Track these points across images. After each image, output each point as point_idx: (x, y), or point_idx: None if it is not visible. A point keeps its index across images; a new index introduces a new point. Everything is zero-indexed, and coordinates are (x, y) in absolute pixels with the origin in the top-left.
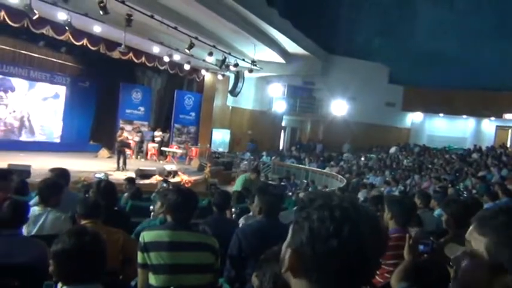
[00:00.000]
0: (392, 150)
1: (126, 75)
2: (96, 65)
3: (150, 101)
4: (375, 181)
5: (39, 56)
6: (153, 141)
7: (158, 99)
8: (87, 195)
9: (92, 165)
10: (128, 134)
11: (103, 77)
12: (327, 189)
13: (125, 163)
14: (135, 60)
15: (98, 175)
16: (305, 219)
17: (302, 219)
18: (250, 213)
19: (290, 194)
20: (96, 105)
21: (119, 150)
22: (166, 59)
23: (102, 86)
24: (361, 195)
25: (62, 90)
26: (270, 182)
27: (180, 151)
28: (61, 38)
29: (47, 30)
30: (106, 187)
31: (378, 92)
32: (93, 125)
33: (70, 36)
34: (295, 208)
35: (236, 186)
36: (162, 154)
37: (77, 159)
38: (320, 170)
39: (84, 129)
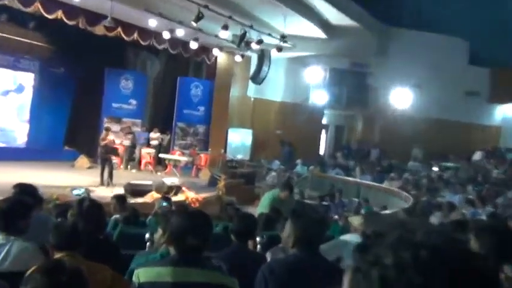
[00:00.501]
0: (477, 156)
1: (113, 58)
2: (73, 46)
3: (145, 92)
4: (453, 200)
5: None
6: (149, 145)
7: (155, 90)
8: (62, 219)
9: (68, 179)
10: (114, 136)
11: (82, 61)
12: (387, 211)
13: (111, 175)
14: (125, 38)
15: (76, 191)
16: (373, 266)
17: (368, 264)
18: (281, 245)
19: (335, 217)
20: (73, 99)
21: (103, 158)
22: (166, 35)
23: (82, 73)
24: (434, 220)
25: (28, 79)
26: (308, 201)
27: (184, 159)
28: (28, 10)
29: (10, 1)
30: (89, 208)
31: (455, 77)
32: (69, 126)
33: (40, 7)
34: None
35: (261, 207)
36: (160, 163)
37: (48, 171)
38: (376, 184)
39: (57, 131)
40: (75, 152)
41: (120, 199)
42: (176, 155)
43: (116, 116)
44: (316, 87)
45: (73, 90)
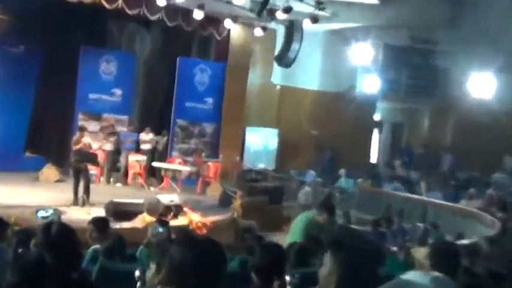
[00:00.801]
0: None
1: (91, 33)
2: (37, 16)
3: (133, 79)
4: None
5: None
6: (138, 150)
7: (147, 75)
8: (23, 250)
9: (31, 196)
10: (92, 138)
11: (50, 36)
12: (464, 241)
13: (87, 191)
14: (106, 6)
15: (41, 213)
16: None
17: None
18: (319, 286)
19: (394, 249)
20: (36, 89)
21: (77, 167)
22: (161, 2)
23: (48, 54)
24: None
25: None
26: (355, 226)
27: (186, 169)
28: None
29: None
30: (59, 236)
31: None
32: (32, 125)
33: None
34: None
35: (292, 235)
36: (154, 174)
37: (4, 185)
38: (449, 204)
39: (15, 132)
40: (39, 160)
41: (100, 224)
42: (175, 164)
43: (93, 112)
44: (365, 70)
45: (36, 76)
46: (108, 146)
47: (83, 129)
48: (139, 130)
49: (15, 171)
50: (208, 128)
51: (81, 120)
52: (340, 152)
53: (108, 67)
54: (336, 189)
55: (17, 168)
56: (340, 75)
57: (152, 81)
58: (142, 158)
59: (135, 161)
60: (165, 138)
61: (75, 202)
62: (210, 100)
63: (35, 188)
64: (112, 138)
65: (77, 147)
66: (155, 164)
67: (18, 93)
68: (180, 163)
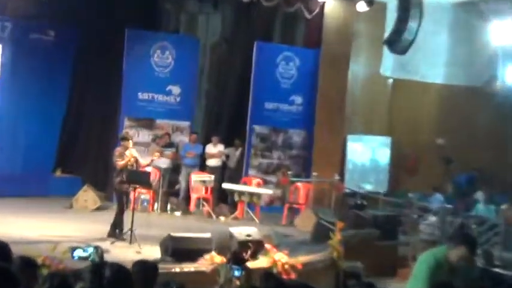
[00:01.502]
0: None
1: (139, 12)
2: None
3: (195, 72)
4: None
5: None
6: (204, 168)
7: (214, 67)
8: None
9: (64, 228)
10: (141, 151)
11: (87, 19)
12: None
13: (119, 223)
14: None
15: (79, 252)
16: None
17: None
18: None
19: None
20: (69, 88)
21: (121, 191)
22: None
23: (85, 41)
24: None
25: None
26: (502, 271)
27: (267, 191)
28: None
29: None
30: (113, 280)
31: None
32: (64, 134)
33: None
34: None
35: (414, 282)
36: (225, 200)
37: (29, 215)
38: None
39: (43, 145)
40: (73, 181)
41: (149, 269)
42: (253, 185)
43: (143, 117)
44: (510, 56)
45: (69, 71)
46: (164, 162)
47: (126, 139)
48: (205, 141)
49: (43, 196)
50: (297, 136)
51: (127, 128)
52: (476, 168)
53: (162, 57)
54: (471, 218)
55: (45, 193)
56: (475, 63)
57: (221, 76)
58: (209, 177)
59: (199, 181)
60: (238, 151)
61: (113, 234)
62: (298, 99)
63: (69, 217)
64: (168, 152)
65: (121, 163)
66: (226, 185)
67: (46, 94)
68: (259, 184)
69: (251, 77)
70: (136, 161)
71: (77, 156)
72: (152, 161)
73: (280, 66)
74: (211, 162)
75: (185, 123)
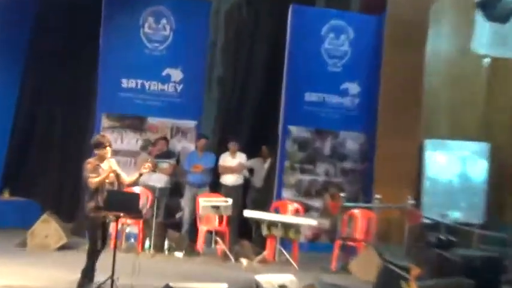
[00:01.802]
0: None
1: None
2: None
3: (205, 48)
4: None
5: None
6: (217, 188)
7: (232, 42)
8: None
9: (13, 277)
10: (123, 164)
11: None
12: None
13: (91, 267)
14: None
15: None
16: None
17: None
18: None
19: None
20: (22, 73)
21: (94, 221)
22: None
23: (46, 5)
24: None
25: None
26: None
27: (309, 222)
28: None
29: None
30: None
31: None
32: (14, 139)
33: None
34: None
35: None
36: (246, 234)
37: None
38: None
39: None
40: (28, 206)
41: None
42: (289, 214)
43: (129, 113)
44: None
45: (24, 49)
46: (159, 180)
47: (102, 145)
48: (219, 148)
49: None
50: (352, 142)
51: (104, 130)
52: None
53: (156, 28)
54: None
55: None
56: None
57: (241, 55)
58: (225, 202)
59: (210, 208)
60: (267, 164)
61: (83, 282)
62: (353, 88)
63: (21, 261)
64: (165, 165)
65: (95, 180)
66: (249, 213)
67: None
68: (297, 211)
69: (284, 56)
70: (118, 176)
71: (32, 172)
72: (141, 175)
73: (327, 40)
74: (228, 180)
75: (190, 123)
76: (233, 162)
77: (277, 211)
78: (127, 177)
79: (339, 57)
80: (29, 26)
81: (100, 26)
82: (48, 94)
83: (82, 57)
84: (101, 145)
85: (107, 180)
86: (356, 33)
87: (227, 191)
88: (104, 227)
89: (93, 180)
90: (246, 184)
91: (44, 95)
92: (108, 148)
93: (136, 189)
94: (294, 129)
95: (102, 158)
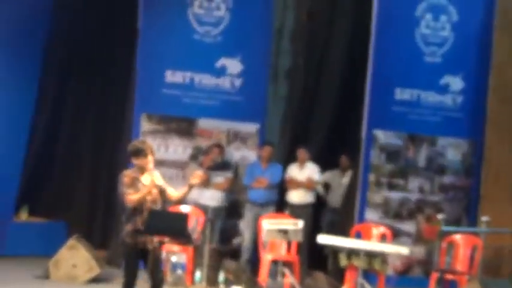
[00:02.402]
0: None
1: None
2: None
3: (270, 34)
4: None
5: None
6: (283, 207)
7: (303, 25)
8: None
9: None
10: (168, 176)
11: None
12: None
13: None
14: None
15: None
16: None
17: None
18: None
19: None
20: (42, 69)
21: (133, 248)
22: None
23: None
24: None
25: None
26: None
27: (400, 250)
28: None
29: None
30: None
31: None
32: (33, 147)
33: None
34: None
35: None
36: (321, 264)
37: None
38: None
39: (4, 164)
40: (51, 229)
41: None
42: (374, 240)
43: (175, 114)
44: None
45: (42, 38)
46: (212, 197)
47: (142, 153)
48: (287, 158)
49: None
50: (454, 151)
51: (145, 134)
52: None
53: (208, 8)
54: None
55: (1, 251)
56: None
57: (314, 42)
58: (294, 224)
59: (276, 232)
60: (347, 178)
61: None
62: (456, 84)
63: None
64: (220, 179)
65: (134, 197)
66: (324, 239)
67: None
68: (384, 237)
69: (369, 43)
70: (163, 192)
71: (56, 187)
72: (191, 188)
73: (423, 23)
74: (294, 197)
75: (250, 127)
76: (301, 175)
77: (359, 236)
78: (175, 192)
79: (438, 44)
80: (47, 16)
81: (138, 7)
82: (74, 93)
83: (115, 45)
84: (140, 153)
85: (148, 198)
86: (460, 14)
87: (296, 212)
88: (154, 255)
89: (131, 197)
90: (320, 203)
91: (69, 94)
92: (149, 157)
93: (185, 209)
94: (380, 135)
95: (142, 170)
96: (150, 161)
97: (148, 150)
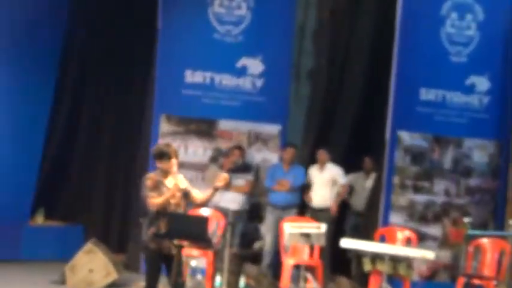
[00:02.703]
0: None
1: None
2: None
3: (292, 31)
4: None
5: None
6: (304, 210)
7: (325, 22)
8: None
9: None
10: (189, 178)
11: None
12: None
13: None
14: None
15: None
16: None
17: None
18: None
19: None
20: (59, 68)
21: (155, 253)
22: None
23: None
24: None
25: None
26: None
27: (425, 254)
28: None
29: None
30: None
31: None
32: (50, 149)
33: None
34: None
35: None
36: (344, 269)
37: None
38: None
39: (19, 170)
40: (68, 233)
41: None
42: (399, 244)
43: (195, 116)
44: None
45: (59, 38)
46: (233, 200)
47: (166, 156)
48: (310, 160)
49: (13, 262)
50: (480, 152)
51: (164, 136)
52: None
53: (229, 6)
54: None
55: (16, 255)
56: None
57: (336, 39)
58: (317, 228)
59: (298, 235)
60: (371, 180)
61: None
62: (482, 84)
63: None
64: (241, 181)
65: (157, 200)
66: (347, 243)
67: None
68: (409, 241)
69: (393, 42)
70: (188, 194)
71: (73, 190)
72: (216, 190)
73: (448, 22)
74: (319, 200)
75: (272, 128)
76: (321, 177)
77: (383, 240)
78: (199, 194)
79: (464, 43)
80: (65, 16)
81: (157, 6)
82: (92, 95)
83: (134, 45)
84: (164, 156)
85: (172, 201)
86: (486, 13)
87: (318, 215)
88: (167, 260)
89: (155, 200)
90: (344, 206)
91: (87, 96)
92: (173, 160)
93: (205, 212)
94: (405, 136)
95: (166, 173)
96: (174, 164)
97: (173, 153)
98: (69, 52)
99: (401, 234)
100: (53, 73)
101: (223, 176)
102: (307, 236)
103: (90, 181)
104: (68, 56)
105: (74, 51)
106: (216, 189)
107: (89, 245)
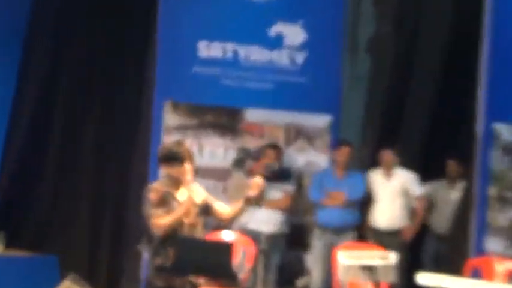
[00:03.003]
0: None
1: None
2: None
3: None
4: None
5: None
6: (365, 236)
7: None
8: None
9: None
10: (207, 188)
11: None
12: None
13: None
14: None
15: None
16: None
17: None
18: None
19: None
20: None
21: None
22: None
23: None
24: None
25: None
26: None
27: None
28: None
29: None
30: None
31: None
32: (13, 154)
33: None
34: None
35: None
36: None
37: None
38: None
39: None
40: (40, 266)
41: None
42: (497, 281)
43: (213, 104)
44: None
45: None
46: (267, 220)
47: (177, 158)
48: (371, 163)
49: None
50: None
51: (170, 131)
52: None
53: None
54: None
55: None
56: None
57: (405, 10)
58: (383, 260)
59: (357, 268)
60: (456, 191)
61: None
62: None
63: None
64: (278, 193)
65: (163, 221)
66: (426, 278)
67: None
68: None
69: (482, 20)
70: (209, 208)
71: (45, 210)
72: (248, 202)
73: None
74: (386, 219)
75: (320, 121)
76: (388, 187)
77: (476, 275)
78: (226, 208)
79: None
80: None
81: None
82: (70, 77)
83: (127, 9)
84: (176, 159)
85: (185, 221)
86: None
87: (382, 239)
88: None
89: (161, 221)
90: (421, 227)
91: (62, 76)
92: (186, 165)
93: (228, 236)
94: (503, 130)
95: (177, 183)
96: (187, 170)
97: (186, 155)
98: (38, 25)
99: (502, 267)
100: (16, 54)
101: (257, 182)
102: (370, 269)
103: (68, 197)
104: (36, 30)
105: (45, 23)
106: (248, 201)
107: (65, 283)
